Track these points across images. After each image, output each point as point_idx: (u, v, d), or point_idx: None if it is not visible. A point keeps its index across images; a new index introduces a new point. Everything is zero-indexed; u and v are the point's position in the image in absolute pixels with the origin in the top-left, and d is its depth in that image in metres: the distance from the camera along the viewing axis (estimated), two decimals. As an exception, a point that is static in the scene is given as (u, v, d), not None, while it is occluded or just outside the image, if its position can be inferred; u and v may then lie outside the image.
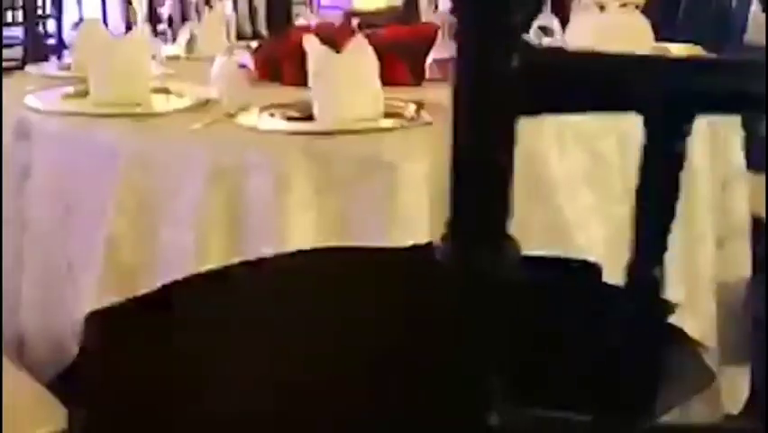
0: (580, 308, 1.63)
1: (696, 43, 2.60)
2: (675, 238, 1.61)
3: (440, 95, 1.68)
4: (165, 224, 1.48)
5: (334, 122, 1.50)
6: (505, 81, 0.49)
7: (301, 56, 1.98)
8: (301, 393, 1.48)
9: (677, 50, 2.26)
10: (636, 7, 5.13)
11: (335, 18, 2.83)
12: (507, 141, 0.52)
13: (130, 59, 1.79)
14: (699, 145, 1.68)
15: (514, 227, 1.43)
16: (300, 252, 1.39)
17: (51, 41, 4.14)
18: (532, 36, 2.50)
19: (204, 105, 1.72)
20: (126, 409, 1.56)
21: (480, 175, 0.53)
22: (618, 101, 0.52)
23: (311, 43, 1.56)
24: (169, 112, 1.72)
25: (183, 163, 1.48)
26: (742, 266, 1.86)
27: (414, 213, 1.42)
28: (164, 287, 1.46)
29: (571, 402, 0.65)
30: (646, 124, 0.56)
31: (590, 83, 0.51)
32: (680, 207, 1.67)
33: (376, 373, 1.50)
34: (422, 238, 1.42)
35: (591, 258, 1.50)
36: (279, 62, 1.95)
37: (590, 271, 1.48)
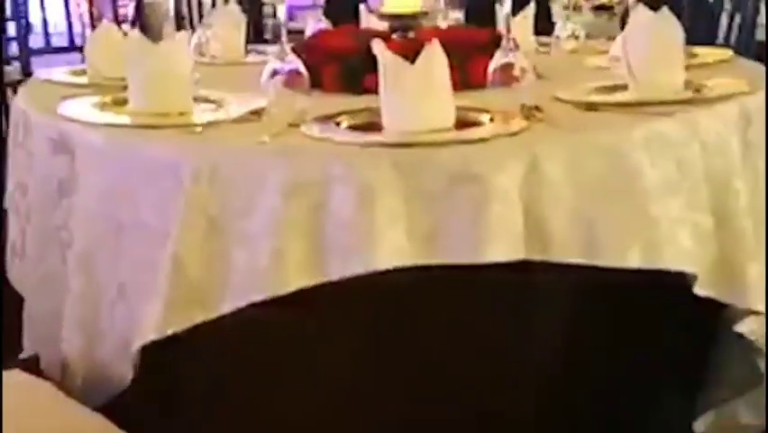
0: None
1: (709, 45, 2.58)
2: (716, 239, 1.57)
3: (504, 102, 1.63)
4: (238, 243, 1.40)
5: (414, 133, 1.43)
6: None
7: (340, 62, 1.92)
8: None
9: (703, 52, 2.22)
10: (609, 8, 5.07)
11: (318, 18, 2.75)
12: None
13: (172, 66, 1.69)
14: (736, 143, 1.64)
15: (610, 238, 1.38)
16: (392, 271, 1.32)
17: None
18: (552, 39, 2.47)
19: (255, 114, 1.64)
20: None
21: None
22: None
23: (381, 50, 1.49)
24: (219, 122, 1.63)
25: (256, 178, 1.40)
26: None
27: (507, 227, 1.36)
28: (238, 311, 1.38)
29: None
30: None
31: None
32: (720, 206, 1.63)
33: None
34: (516, 254, 1.36)
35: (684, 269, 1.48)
36: (318, 69, 1.87)
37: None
